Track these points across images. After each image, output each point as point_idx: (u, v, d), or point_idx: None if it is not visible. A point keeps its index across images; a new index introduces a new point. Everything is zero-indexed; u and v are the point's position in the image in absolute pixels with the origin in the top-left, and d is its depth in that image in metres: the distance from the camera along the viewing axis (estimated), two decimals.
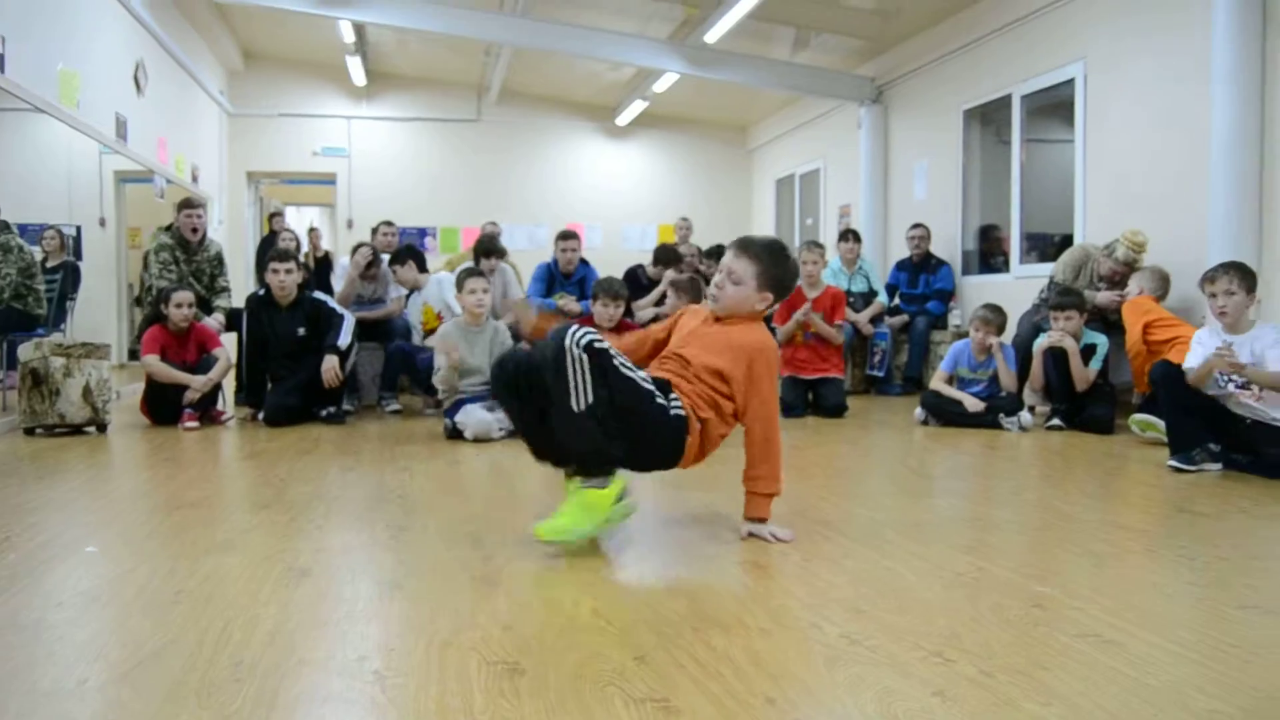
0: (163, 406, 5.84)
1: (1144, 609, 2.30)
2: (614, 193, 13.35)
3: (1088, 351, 5.56)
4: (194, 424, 5.74)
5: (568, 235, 7.51)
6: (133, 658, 1.95)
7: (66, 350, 5.47)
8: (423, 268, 7.02)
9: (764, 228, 13.18)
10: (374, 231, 8.23)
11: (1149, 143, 6.38)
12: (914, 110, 9.47)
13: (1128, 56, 6.58)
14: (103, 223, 8.50)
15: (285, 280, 6.02)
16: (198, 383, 5.78)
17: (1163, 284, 5.71)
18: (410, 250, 7.05)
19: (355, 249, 7.11)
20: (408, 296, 7.09)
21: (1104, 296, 5.88)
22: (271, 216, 11.77)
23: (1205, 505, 3.53)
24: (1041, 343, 5.62)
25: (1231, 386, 4.19)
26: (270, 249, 7.14)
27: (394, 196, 12.41)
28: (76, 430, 5.49)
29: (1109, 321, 6.05)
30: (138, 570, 2.61)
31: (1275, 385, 4.06)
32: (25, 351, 5.44)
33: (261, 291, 6.21)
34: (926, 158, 9.21)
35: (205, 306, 6.72)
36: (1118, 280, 6.08)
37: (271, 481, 3.98)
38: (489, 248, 7.07)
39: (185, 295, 5.94)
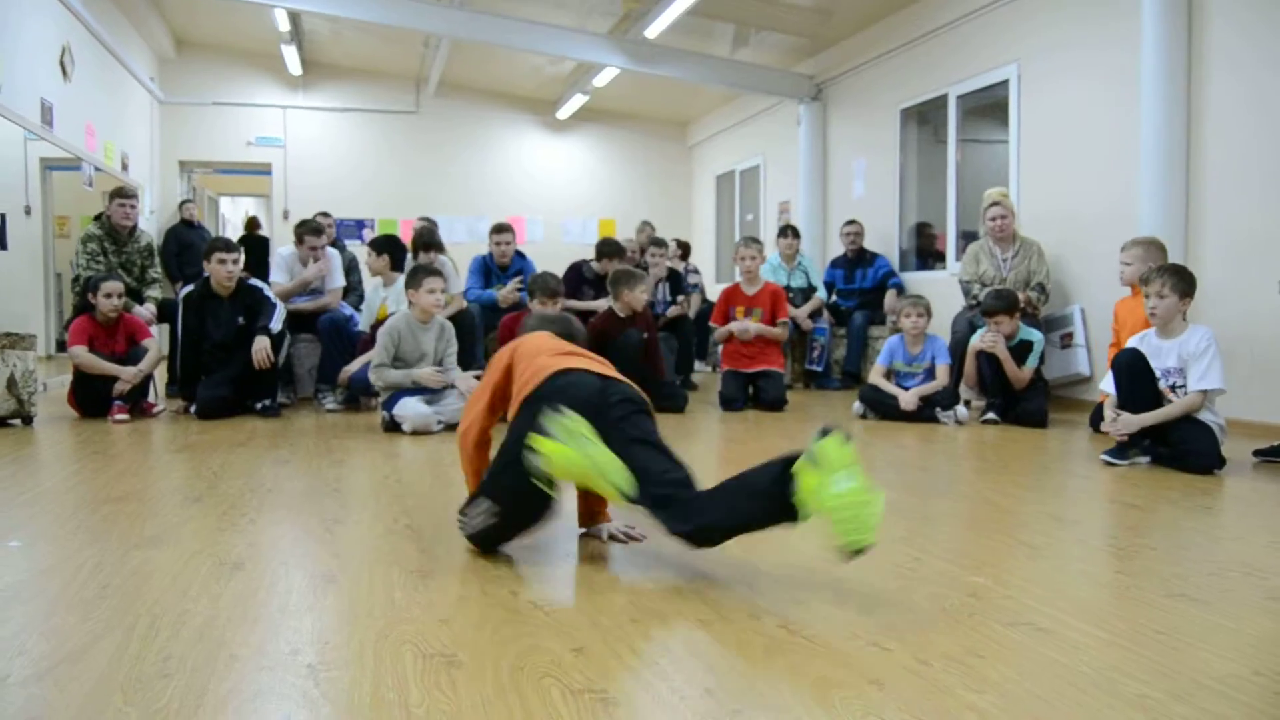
0: (91, 398, 5.71)
1: (1076, 598, 2.34)
2: (554, 187, 13.30)
3: (1024, 348, 5.63)
4: (124, 416, 5.62)
5: (502, 228, 7.46)
6: (56, 654, 1.90)
7: None
8: (397, 266, 6.67)
9: (704, 223, 13.23)
10: (299, 224, 8.07)
11: (1080, 144, 6.50)
12: (852, 108, 9.55)
13: (1060, 59, 6.70)
14: (29, 211, 8.29)
15: (232, 270, 5.91)
16: (128, 374, 5.66)
17: (1161, 253, 5.20)
18: (392, 242, 6.76)
19: (298, 237, 6.87)
20: (347, 291, 6.97)
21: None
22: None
23: (1135, 497, 3.61)
24: (974, 344, 5.69)
25: (1163, 384, 4.28)
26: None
27: (331, 187, 12.23)
28: (1, 423, 5.34)
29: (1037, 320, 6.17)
30: (63, 565, 2.54)
31: (1165, 419, 4.19)
32: None
33: (195, 286, 6.07)
34: (865, 155, 9.29)
35: (136, 297, 6.58)
36: (1002, 233, 6.37)
37: (204, 474, 3.91)
38: (428, 241, 6.98)
39: (114, 285, 5.81)
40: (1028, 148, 7.06)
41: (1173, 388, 4.28)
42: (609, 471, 2.32)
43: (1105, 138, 6.27)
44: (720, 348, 6.81)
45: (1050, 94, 6.81)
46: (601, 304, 7.06)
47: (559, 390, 2.55)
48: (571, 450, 2.32)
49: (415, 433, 5.09)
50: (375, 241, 6.75)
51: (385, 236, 6.89)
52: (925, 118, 8.62)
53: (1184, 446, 4.13)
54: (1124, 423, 4.22)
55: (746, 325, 6.52)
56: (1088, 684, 1.78)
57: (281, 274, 6.80)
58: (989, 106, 7.76)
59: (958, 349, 5.95)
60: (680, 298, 8.12)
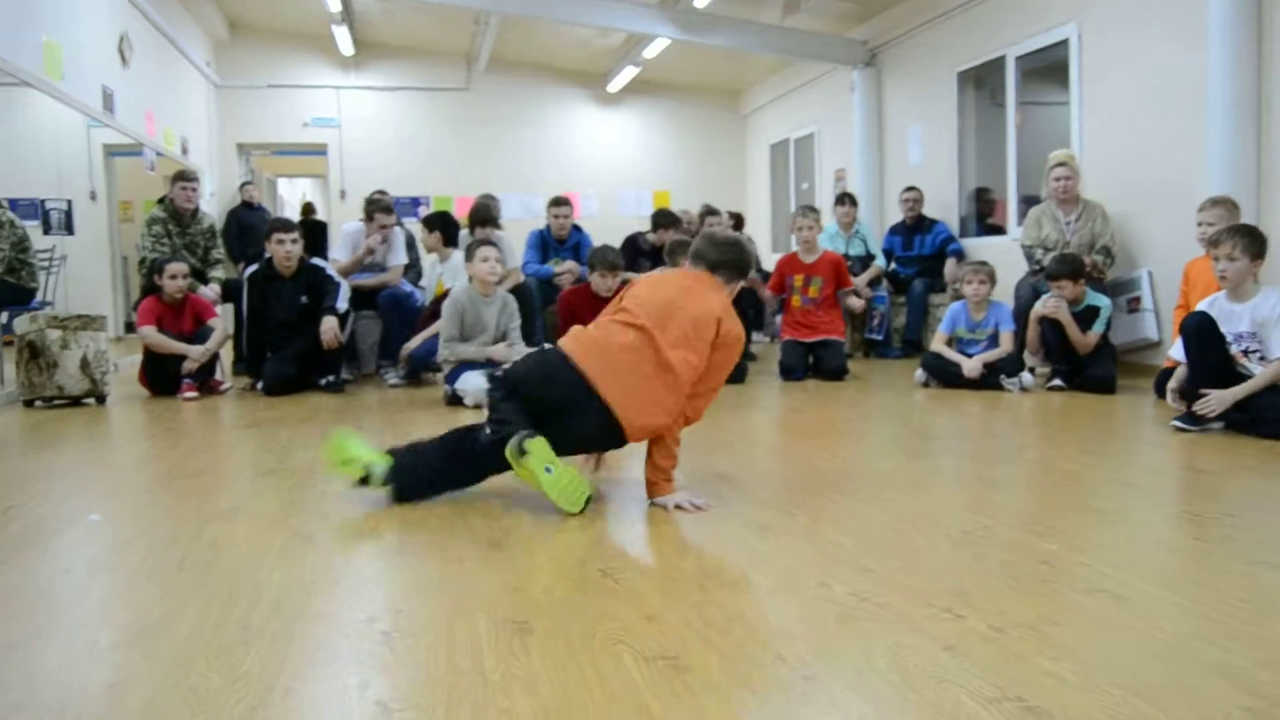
0: (161, 377, 5.82)
1: (1152, 565, 2.30)
2: (608, 160, 13.26)
3: (1090, 314, 5.51)
4: (193, 394, 5.73)
5: (560, 201, 7.47)
6: (140, 622, 1.95)
7: (63, 323, 5.44)
8: (450, 241, 6.73)
9: (759, 193, 13.13)
10: (369, 202, 8.13)
11: (1144, 103, 6.33)
12: (907, 73, 9.40)
13: (1122, 16, 6.52)
14: (93, 196, 8.45)
15: (291, 250, 5.98)
16: (195, 353, 5.76)
17: (1239, 213, 5.12)
18: (444, 219, 6.80)
19: (368, 214, 6.92)
20: (407, 268, 7.02)
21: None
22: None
23: (1210, 463, 3.53)
24: (1037, 309, 5.59)
25: (1235, 349, 4.18)
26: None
27: (386, 166, 12.30)
28: (75, 402, 5.47)
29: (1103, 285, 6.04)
30: (142, 538, 2.60)
31: (1253, 391, 4.05)
32: (21, 324, 5.41)
33: (259, 266, 6.15)
34: (920, 121, 9.15)
35: (200, 278, 6.68)
36: (1066, 195, 6.21)
37: (273, 449, 3.97)
38: (484, 216, 7.01)
39: (179, 266, 5.91)
40: (1090, 109, 6.89)
41: (1245, 352, 4.17)
42: (560, 500, 2.73)
43: (1171, 97, 6.10)
44: (778, 318, 6.77)
45: (1112, 53, 6.64)
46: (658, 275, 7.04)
47: (537, 378, 2.91)
48: (537, 476, 2.71)
49: (477, 406, 5.12)
50: (428, 219, 6.78)
51: (437, 213, 6.91)
52: (982, 80, 8.45)
53: (1261, 413, 4.00)
54: (1216, 400, 4.09)
55: (856, 304, 6.57)
56: (1169, 651, 1.75)
57: (345, 251, 6.86)
58: (1049, 68, 7.59)
59: (1021, 315, 5.86)
60: None
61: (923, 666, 1.68)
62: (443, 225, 6.67)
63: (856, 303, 6.57)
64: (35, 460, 3.83)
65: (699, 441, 3.87)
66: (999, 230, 8.16)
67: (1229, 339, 4.18)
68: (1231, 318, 4.21)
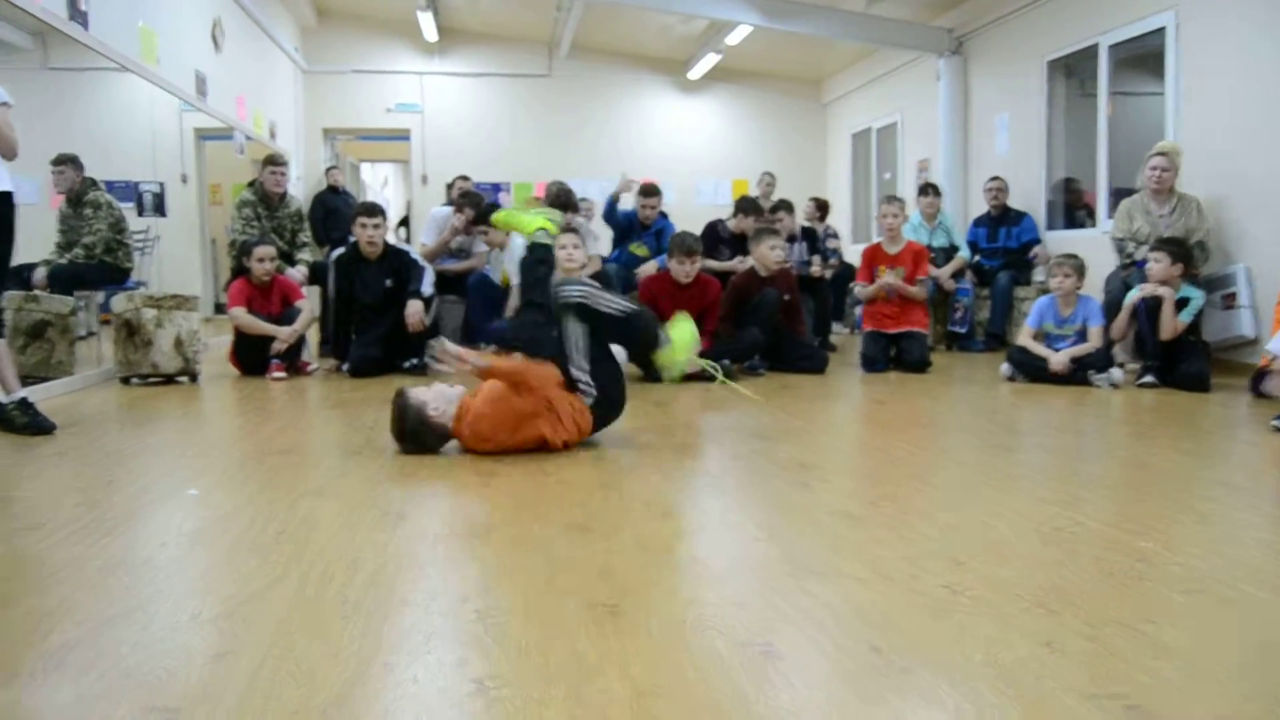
0: (251, 357, 5.96)
1: (1254, 566, 2.24)
2: (687, 148, 13.21)
3: (1180, 304, 5.37)
4: (281, 374, 5.85)
5: (650, 191, 7.48)
6: (241, 593, 2.00)
7: (158, 302, 5.59)
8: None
9: (839, 183, 12.99)
10: (449, 187, 8.23)
11: (1244, 94, 6.12)
12: (995, 62, 9.21)
13: (1222, 4, 6.32)
14: (184, 179, 8.65)
15: (374, 235, 6.07)
16: (284, 334, 5.89)
17: None
18: (494, 209, 6.88)
19: (458, 205, 6.98)
20: (488, 254, 7.10)
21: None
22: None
23: None
24: (1135, 295, 5.44)
25: None
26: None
27: (467, 152, 12.41)
28: (169, 380, 5.62)
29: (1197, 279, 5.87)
30: (238, 513, 2.67)
31: None
32: (119, 303, 5.57)
33: (345, 249, 6.25)
34: (1008, 110, 8.97)
35: (288, 260, 6.81)
36: (1160, 186, 6.00)
37: (359, 429, 4.04)
38: (565, 203, 7.03)
39: (267, 249, 6.03)
40: (1186, 99, 6.69)
41: None
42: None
43: (1272, 87, 5.88)
44: (859, 309, 6.70)
45: (1211, 41, 6.42)
46: (736, 263, 7.01)
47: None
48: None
49: None
50: (480, 217, 6.73)
51: (491, 206, 6.88)
52: (1072, 69, 8.25)
53: None
54: None
55: (892, 281, 6.39)
56: (1278, 655, 1.70)
57: (432, 234, 6.95)
58: (1142, 56, 7.38)
59: (1111, 309, 5.72)
60: (816, 258, 8.02)
61: (1020, 661, 1.66)
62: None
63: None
64: (133, 435, 3.95)
65: (781, 430, 3.86)
66: (1088, 212, 7.98)
67: None
68: None
